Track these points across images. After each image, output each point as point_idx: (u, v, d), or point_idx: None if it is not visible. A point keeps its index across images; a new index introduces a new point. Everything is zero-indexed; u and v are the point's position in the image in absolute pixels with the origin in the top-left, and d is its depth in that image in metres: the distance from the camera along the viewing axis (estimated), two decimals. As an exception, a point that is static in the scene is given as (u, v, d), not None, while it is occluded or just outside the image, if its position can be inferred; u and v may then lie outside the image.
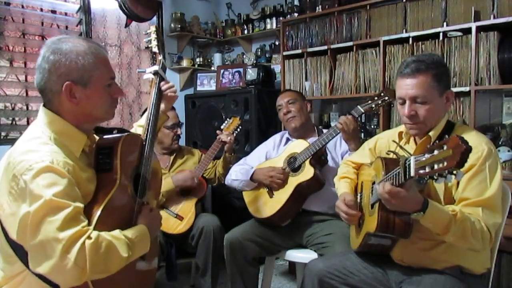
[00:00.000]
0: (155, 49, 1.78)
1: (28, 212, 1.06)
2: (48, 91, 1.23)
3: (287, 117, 2.36)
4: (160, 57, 1.73)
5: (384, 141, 1.76)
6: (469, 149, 1.04)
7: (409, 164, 1.20)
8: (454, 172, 1.05)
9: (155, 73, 1.64)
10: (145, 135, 1.47)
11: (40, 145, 1.15)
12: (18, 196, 1.10)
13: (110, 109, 1.33)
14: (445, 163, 1.06)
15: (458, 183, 1.43)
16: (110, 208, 1.19)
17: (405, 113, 1.50)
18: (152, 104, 1.56)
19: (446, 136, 1.12)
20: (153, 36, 1.79)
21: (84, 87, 1.23)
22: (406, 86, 1.49)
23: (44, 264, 1.06)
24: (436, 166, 1.08)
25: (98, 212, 1.14)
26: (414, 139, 1.61)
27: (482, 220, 1.36)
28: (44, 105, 1.26)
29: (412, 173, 1.18)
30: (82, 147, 1.26)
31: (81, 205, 1.12)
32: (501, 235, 1.56)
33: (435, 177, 1.10)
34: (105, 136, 1.36)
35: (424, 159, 1.14)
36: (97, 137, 1.36)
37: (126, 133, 1.37)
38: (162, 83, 1.64)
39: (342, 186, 1.80)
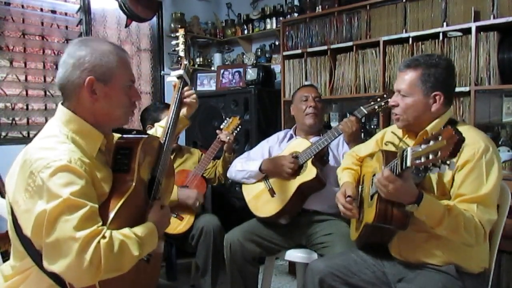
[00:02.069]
0: (182, 53, 1.76)
1: (45, 210, 1.06)
2: (70, 85, 1.23)
3: (309, 111, 2.31)
4: (185, 62, 1.71)
5: (390, 133, 1.78)
6: (462, 139, 1.08)
7: (406, 155, 1.24)
8: (448, 162, 1.10)
9: (179, 77, 1.64)
10: (163, 138, 1.47)
11: (57, 144, 1.16)
12: (35, 193, 1.10)
13: (127, 112, 1.33)
14: (439, 153, 1.10)
15: (453, 178, 1.45)
16: (124, 209, 1.18)
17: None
18: (173, 109, 1.56)
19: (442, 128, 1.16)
20: (181, 40, 1.77)
21: (105, 84, 1.24)
22: (398, 79, 1.61)
23: (59, 262, 1.05)
24: (431, 156, 1.13)
25: (113, 213, 1.14)
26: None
27: (476, 216, 1.38)
28: (62, 103, 1.27)
29: (409, 163, 1.22)
30: (99, 146, 1.26)
31: (97, 205, 1.13)
32: (500, 234, 1.56)
33: (430, 167, 1.14)
34: (125, 136, 1.36)
35: (420, 149, 1.18)
36: (116, 135, 1.36)
37: (146, 135, 1.37)
38: (185, 88, 1.64)
39: (345, 176, 1.82)
